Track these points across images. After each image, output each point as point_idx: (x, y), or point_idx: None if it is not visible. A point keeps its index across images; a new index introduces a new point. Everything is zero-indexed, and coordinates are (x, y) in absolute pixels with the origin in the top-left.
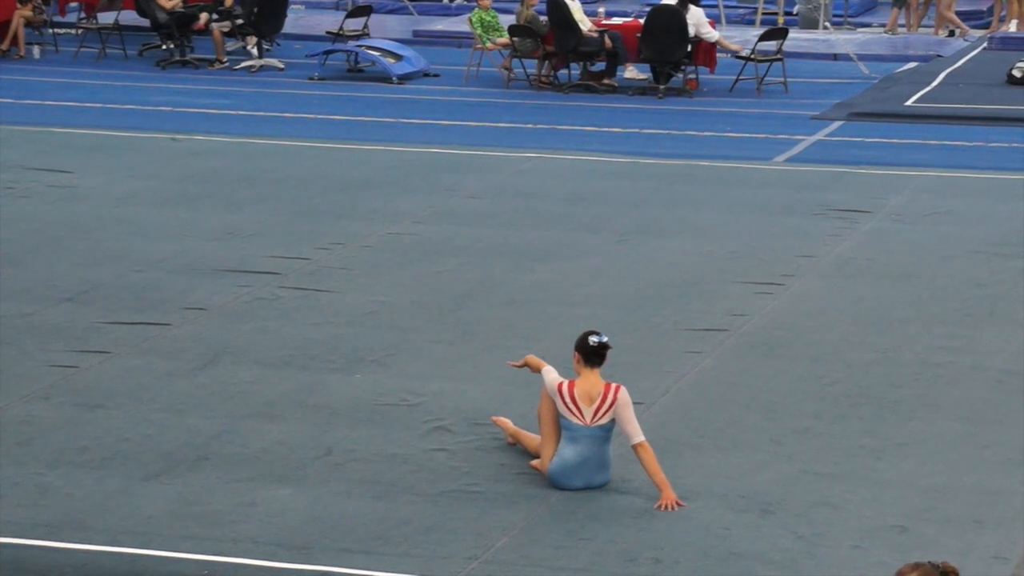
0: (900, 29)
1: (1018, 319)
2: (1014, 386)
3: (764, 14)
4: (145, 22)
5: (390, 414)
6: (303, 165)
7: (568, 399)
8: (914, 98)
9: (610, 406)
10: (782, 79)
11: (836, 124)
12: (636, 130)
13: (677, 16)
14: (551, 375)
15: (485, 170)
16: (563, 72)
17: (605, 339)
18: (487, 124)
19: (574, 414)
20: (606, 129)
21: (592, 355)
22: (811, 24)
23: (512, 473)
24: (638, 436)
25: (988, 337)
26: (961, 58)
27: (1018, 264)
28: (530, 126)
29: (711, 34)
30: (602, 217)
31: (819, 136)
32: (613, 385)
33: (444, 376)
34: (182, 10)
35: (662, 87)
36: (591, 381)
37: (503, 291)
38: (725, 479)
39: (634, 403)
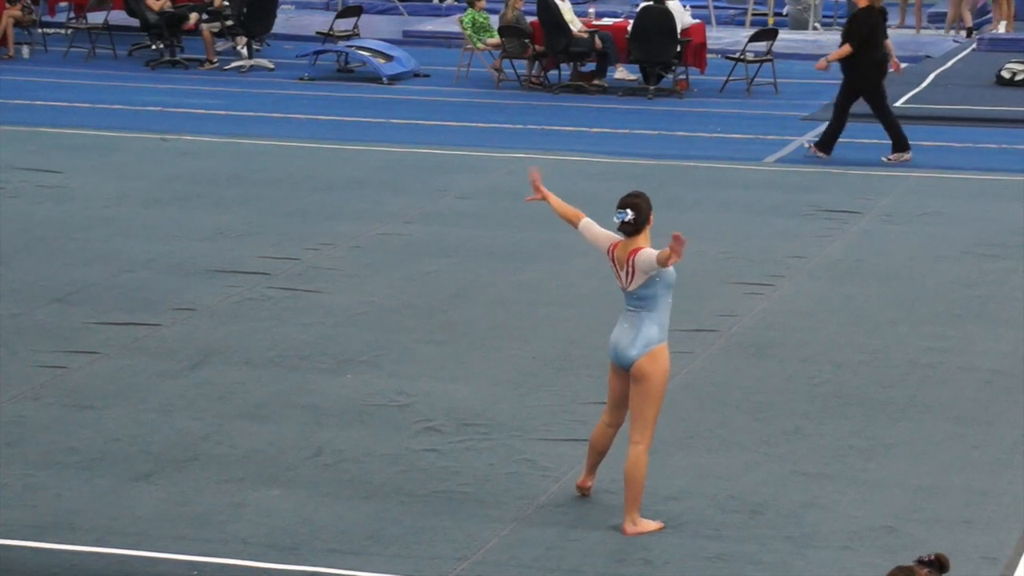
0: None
1: (1007, 320)
2: (1003, 386)
3: (754, 15)
4: (135, 22)
5: (380, 414)
6: (293, 165)
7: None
8: (903, 99)
9: (633, 268)
10: (772, 80)
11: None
12: (626, 131)
13: (666, 16)
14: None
15: (475, 170)
16: (553, 73)
17: (627, 217)
18: (477, 124)
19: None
20: (596, 130)
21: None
22: (801, 25)
23: (502, 474)
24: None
25: (977, 338)
26: (950, 59)
27: (1007, 265)
28: (520, 127)
29: (691, 21)
30: (591, 217)
31: (809, 137)
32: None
33: (434, 376)
34: (171, 10)
35: (652, 88)
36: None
37: (493, 291)
38: (715, 480)
39: None
